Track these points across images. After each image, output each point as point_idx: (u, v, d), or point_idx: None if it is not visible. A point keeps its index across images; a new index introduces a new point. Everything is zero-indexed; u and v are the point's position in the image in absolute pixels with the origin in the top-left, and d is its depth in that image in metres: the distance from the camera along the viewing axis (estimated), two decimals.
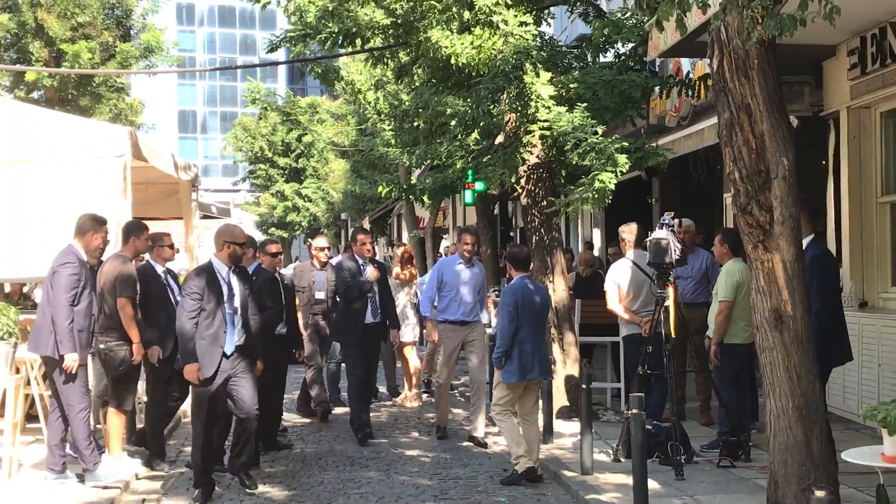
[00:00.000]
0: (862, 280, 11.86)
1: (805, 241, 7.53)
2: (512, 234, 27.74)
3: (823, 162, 13.13)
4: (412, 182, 18.40)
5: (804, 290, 6.56)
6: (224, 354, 8.92)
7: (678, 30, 6.58)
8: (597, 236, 22.58)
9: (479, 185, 17.12)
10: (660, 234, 10.20)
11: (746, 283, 8.76)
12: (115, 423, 9.70)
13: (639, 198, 19.28)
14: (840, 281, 10.08)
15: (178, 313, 9.11)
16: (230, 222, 17.60)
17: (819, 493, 5.19)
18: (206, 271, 9.12)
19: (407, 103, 15.80)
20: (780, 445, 6.42)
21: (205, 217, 20.27)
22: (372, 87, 19.02)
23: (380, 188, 17.92)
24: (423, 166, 20.91)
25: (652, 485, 8.28)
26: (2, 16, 26.20)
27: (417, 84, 14.47)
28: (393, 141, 22.61)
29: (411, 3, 12.01)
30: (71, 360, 8.98)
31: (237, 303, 9.10)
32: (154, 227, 17.51)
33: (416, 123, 15.39)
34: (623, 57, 14.21)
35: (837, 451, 6.50)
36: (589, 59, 13.86)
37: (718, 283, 10.23)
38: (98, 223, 9.57)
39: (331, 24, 12.98)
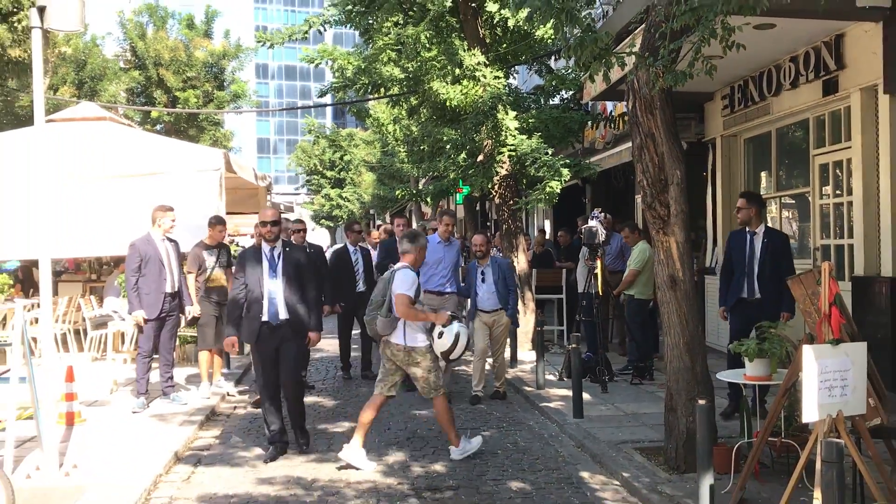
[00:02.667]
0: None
1: (760, 229, 7.63)
2: (489, 223, 27.60)
3: (704, 174, 12.99)
4: (420, 188, 18.27)
5: (691, 262, 6.40)
6: (266, 324, 6.87)
7: (604, 81, 6.49)
8: (547, 225, 22.43)
9: (465, 190, 17.04)
10: (592, 223, 10.17)
11: (651, 258, 8.74)
12: (201, 358, 9.34)
13: (577, 199, 19.14)
14: None
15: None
16: (289, 216, 17.35)
17: (701, 402, 5.14)
18: (249, 252, 7.24)
19: (416, 133, 15.66)
20: (673, 369, 6.29)
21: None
22: (391, 122, 18.90)
23: (397, 192, 17.83)
24: (427, 176, 20.80)
25: (585, 396, 8.26)
26: (135, 72, 25.95)
27: (423, 119, 14.28)
28: (406, 159, 22.47)
29: (419, 64, 11.87)
30: (134, 316, 8.54)
31: (279, 278, 6.91)
32: (240, 219, 17.37)
33: (422, 147, 15.32)
34: (566, 100, 14.12)
35: (713, 373, 6.44)
36: (542, 101, 13.75)
37: (632, 258, 10.17)
38: (164, 210, 8.79)
39: (363, 78, 12.86)
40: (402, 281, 6.60)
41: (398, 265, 6.88)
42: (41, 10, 6.19)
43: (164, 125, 26.33)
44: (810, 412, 4.37)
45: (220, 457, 6.99)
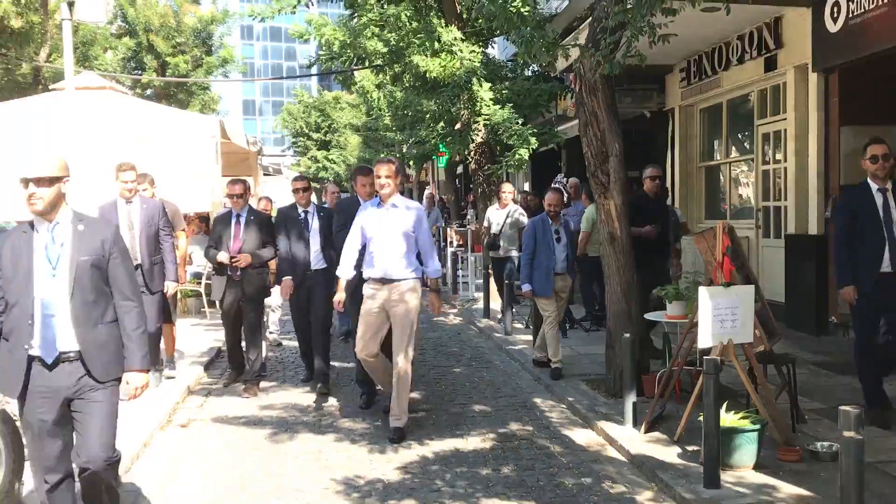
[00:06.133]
0: (686, 214, 12.76)
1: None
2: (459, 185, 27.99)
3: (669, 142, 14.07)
4: (403, 152, 19.31)
5: (628, 222, 7.46)
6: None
7: (550, 69, 7.48)
8: (527, 187, 23.49)
9: (447, 154, 18.04)
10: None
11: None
12: None
13: (553, 163, 20.15)
14: None
15: None
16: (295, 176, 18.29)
17: (626, 335, 6.32)
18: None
19: (399, 99, 16.54)
20: (613, 312, 7.37)
21: (265, 175, 21.18)
22: (375, 88, 19.83)
23: (381, 156, 18.77)
24: (410, 142, 21.74)
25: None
26: (126, 39, 26.69)
27: (406, 86, 14.89)
28: (391, 125, 23.42)
29: (400, 39, 12.80)
30: None
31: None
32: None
33: (405, 112, 16.22)
34: (537, 72, 15.09)
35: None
36: (517, 71, 14.72)
37: (582, 220, 10.70)
38: (120, 168, 7.53)
39: (349, 51, 13.81)
40: None
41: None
42: (71, 4, 7.22)
43: (155, 90, 27.09)
44: (705, 339, 5.55)
45: (227, 390, 8.16)
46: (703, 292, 5.55)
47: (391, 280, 6.47)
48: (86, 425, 3.92)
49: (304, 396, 7.82)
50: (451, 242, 15.23)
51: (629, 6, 6.48)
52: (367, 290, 6.59)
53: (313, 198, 8.46)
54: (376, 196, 6.63)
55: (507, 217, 11.29)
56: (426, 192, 31.43)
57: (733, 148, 12.54)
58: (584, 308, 11.31)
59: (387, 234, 6.49)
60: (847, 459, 3.77)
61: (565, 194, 11.26)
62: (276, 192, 16.84)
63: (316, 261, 7.90)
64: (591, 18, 7.45)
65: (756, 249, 11.24)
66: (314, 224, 7.96)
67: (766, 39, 10.52)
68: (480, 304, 12.83)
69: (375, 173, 6.59)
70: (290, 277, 7.87)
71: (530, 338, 9.91)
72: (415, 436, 6.45)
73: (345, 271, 6.66)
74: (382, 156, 7.65)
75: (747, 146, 11.97)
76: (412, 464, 5.82)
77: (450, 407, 7.37)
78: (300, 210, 8.01)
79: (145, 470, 5.80)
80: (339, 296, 6.67)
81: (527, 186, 23.76)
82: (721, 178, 12.83)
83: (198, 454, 6.18)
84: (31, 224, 3.96)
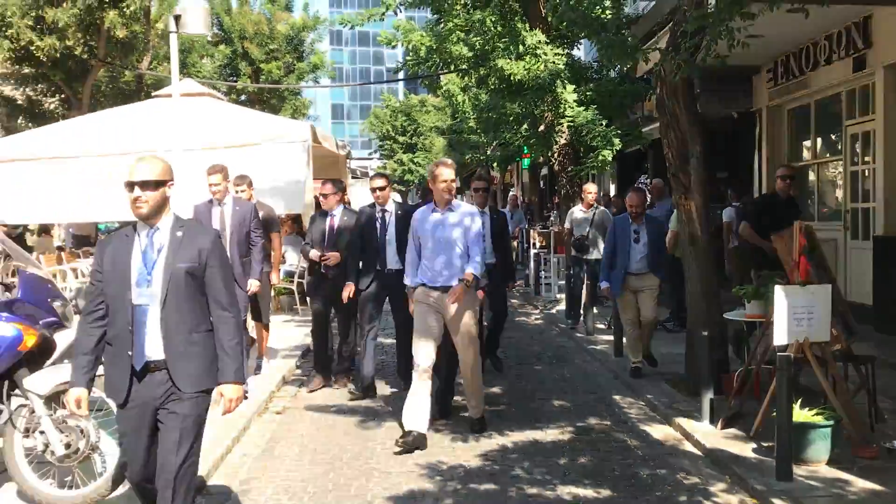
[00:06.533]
0: None
1: None
2: (544, 187, 28.36)
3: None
4: (488, 154, 19.60)
5: (708, 222, 7.50)
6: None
7: (631, 73, 7.63)
8: (613, 189, 23.49)
9: (529, 157, 18.24)
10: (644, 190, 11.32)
11: None
12: None
13: (640, 164, 20.11)
14: None
15: None
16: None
17: (703, 333, 6.47)
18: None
19: (484, 101, 16.79)
20: (693, 309, 7.53)
21: (353, 178, 21.78)
22: (461, 91, 20.16)
23: (466, 158, 19.09)
24: (494, 144, 22.00)
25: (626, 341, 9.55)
26: (222, 46, 27.81)
27: (491, 88, 14.77)
28: (475, 126, 23.74)
29: (485, 43, 13.08)
30: None
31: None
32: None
33: (490, 115, 16.47)
34: (622, 73, 15.14)
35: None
36: (602, 72, 14.81)
37: (672, 218, 11.03)
38: (208, 172, 7.79)
39: (435, 57, 14.15)
40: None
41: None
42: (177, 18, 7.76)
43: (249, 95, 28.09)
44: (780, 337, 5.67)
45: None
46: (779, 291, 5.67)
47: (446, 286, 6.30)
48: (165, 436, 3.82)
49: (391, 389, 8.17)
50: (534, 244, 15.43)
51: (709, 10, 6.63)
52: (420, 296, 6.44)
53: (397, 197, 8.51)
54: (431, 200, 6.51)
55: (593, 218, 11.36)
56: (510, 194, 31.75)
57: (821, 149, 12.41)
58: (670, 309, 11.35)
59: (442, 238, 6.36)
60: None
61: (648, 195, 11.33)
62: (362, 195, 17.32)
63: (392, 261, 7.64)
64: (671, 22, 7.60)
65: (843, 251, 11.12)
66: (391, 223, 7.73)
67: (855, 39, 10.42)
68: (562, 305, 12.99)
69: (444, 176, 6.36)
70: (352, 283, 7.65)
71: (612, 338, 10.02)
72: (495, 427, 6.73)
73: (410, 279, 6.52)
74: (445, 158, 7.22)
75: (836, 147, 11.84)
76: (492, 452, 6.11)
77: (530, 402, 7.63)
78: (378, 209, 7.80)
79: (245, 449, 6.26)
80: (411, 307, 6.53)
81: (612, 187, 23.84)
82: (809, 179, 12.70)
83: (292, 438, 6.61)
84: (134, 226, 3.92)
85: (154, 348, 3.79)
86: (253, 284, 7.72)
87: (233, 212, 7.69)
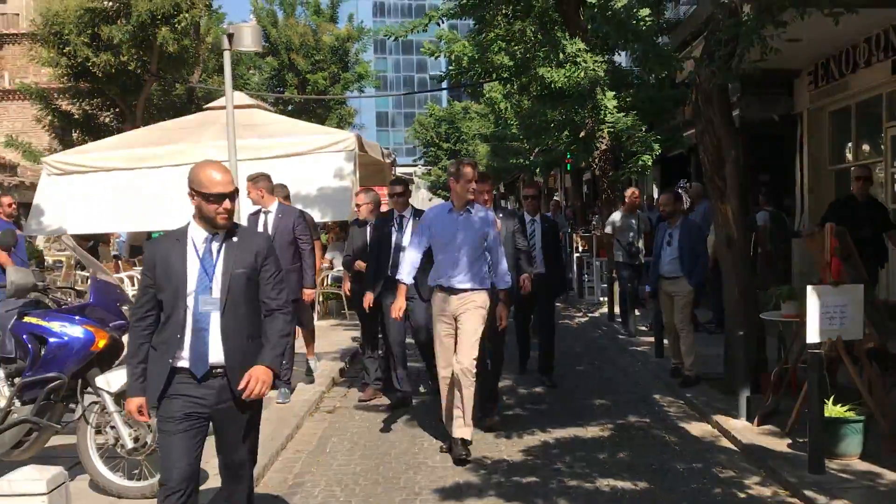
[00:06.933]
0: (814, 219, 12.61)
1: None
2: (587, 192, 28.44)
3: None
4: (531, 159, 19.82)
5: (744, 225, 7.65)
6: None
7: (666, 82, 7.80)
8: (655, 193, 23.55)
9: (571, 162, 18.41)
10: (677, 192, 11.51)
11: None
12: None
13: (683, 168, 20.15)
14: None
15: None
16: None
17: (739, 333, 6.64)
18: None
19: (526, 107, 16.97)
20: (730, 313, 7.69)
21: None
22: (503, 98, 20.42)
23: (511, 161, 19.23)
24: (536, 150, 22.20)
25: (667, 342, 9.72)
26: (270, 58, 28.44)
27: (534, 94, 14.75)
28: (518, 132, 23.98)
29: (526, 52, 13.33)
30: None
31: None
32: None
33: (533, 121, 16.68)
34: (662, 79, 15.27)
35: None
36: (644, 78, 14.95)
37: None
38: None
39: (477, 66, 14.42)
40: None
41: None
42: (230, 36, 8.16)
43: (295, 105, 28.57)
44: (812, 335, 5.84)
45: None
46: (811, 291, 5.84)
47: (460, 290, 6.08)
48: (225, 433, 3.91)
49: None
50: (577, 248, 15.65)
51: (744, 18, 6.83)
52: (434, 300, 6.27)
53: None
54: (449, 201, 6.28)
55: (636, 221, 11.40)
56: (553, 200, 31.94)
57: (863, 151, 12.44)
58: (712, 310, 11.45)
59: (459, 239, 6.09)
60: None
61: (685, 198, 11.47)
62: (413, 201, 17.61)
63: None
64: (706, 31, 7.80)
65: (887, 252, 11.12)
66: (408, 229, 7.42)
67: (894, 41, 10.49)
68: (605, 308, 13.17)
69: (469, 178, 6.06)
70: (370, 292, 7.35)
71: (653, 339, 10.19)
72: (537, 424, 6.99)
73: (404, 277, 6.25)
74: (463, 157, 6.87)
75: (877, 149, 11.88)
76: (534, 447, 6.37)
77: (571, 400, 7.88)
78: (396, 215, 7.59)
79: (299, 446, 6.60)
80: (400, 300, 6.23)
81: (655, 191, 23.91)
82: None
83: (343, 434, 6.95)
84: (185, 233, 3.91)
85: (217, 354, 3.80)
86: (307, 291, 7.76)
87: (275, 219, 7.71)
